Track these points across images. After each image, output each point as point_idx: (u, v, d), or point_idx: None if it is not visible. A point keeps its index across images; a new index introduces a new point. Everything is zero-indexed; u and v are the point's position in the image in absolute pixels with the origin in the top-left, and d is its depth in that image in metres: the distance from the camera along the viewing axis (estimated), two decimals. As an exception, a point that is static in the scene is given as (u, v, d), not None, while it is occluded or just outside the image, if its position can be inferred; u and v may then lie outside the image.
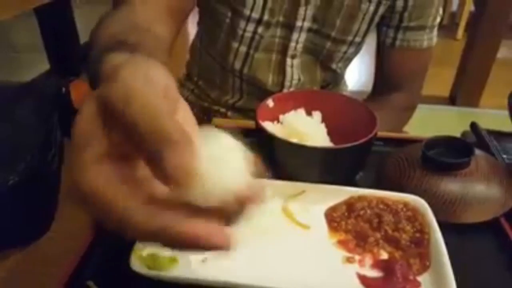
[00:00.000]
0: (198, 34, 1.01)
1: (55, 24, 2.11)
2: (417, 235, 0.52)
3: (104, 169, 0.26)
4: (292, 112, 0.67)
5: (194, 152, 0.25)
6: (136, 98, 0.25)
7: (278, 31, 0.86)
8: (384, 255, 0.51)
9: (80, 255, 0.50)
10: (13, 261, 0.54)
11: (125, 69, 0.27)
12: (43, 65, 2.23)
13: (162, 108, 0.25)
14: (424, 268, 0.48)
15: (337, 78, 0.99)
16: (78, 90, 0.61)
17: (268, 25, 0.84)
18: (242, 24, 0.84)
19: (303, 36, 0.86)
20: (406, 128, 1.00)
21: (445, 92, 2.54)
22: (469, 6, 3.22)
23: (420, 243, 0.51)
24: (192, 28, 1.08)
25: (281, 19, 0.84)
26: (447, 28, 3.38)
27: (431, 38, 0.89)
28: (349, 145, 0.58)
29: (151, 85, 0.26)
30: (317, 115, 0.67)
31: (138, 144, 0.25)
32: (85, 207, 0.26)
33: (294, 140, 0.60)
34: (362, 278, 0.48)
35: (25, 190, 0.53)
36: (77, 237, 0.54)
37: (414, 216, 0.54)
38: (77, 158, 0.26)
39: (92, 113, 0.26)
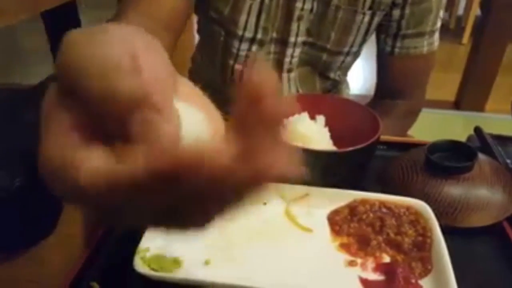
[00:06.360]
0: (198, 47, 1.01)
1: (62, 28, 2.13)
2: (420, 238, 0.52)
3: (68, 139, 0.21)
4: (296, 116, 0.67)
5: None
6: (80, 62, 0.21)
7: (272, 47, 0.86)
8: (386, 259, 0.51)
9: (84, 257, 0.51)
10: (18, 263, 0.54)
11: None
12: (50, 69, 2.24)
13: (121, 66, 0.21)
14: (426, 272, 0.49)
15: (337, 85, 0.99)
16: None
17: (261, 43, 0.85)
18: (235, 43, 0.85)
19: (298, 50, 0.86)
20: (411, 133, 1.00)
21: (451, 96, 2.53)
22: (475, 11, 3.22)
23: (422, 246, 0.51)
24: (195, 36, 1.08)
25: (274, 35, 0.84)
26: (453, 32, 3.38)
27: (431, 43, 0.87)
28: (352, 148, 0.58)
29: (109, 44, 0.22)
30: (320, 119, 0.67)
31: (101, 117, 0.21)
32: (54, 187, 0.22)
33: (298, 143, 0.61)
34: (364, 282, 0.48)
35: (31, 193, 0.54)
36: (82, 239, 0.55)
37: (416, 219, 0.54)
38: (43, 137, 0.22)
39: (53, 92, 0.23)
